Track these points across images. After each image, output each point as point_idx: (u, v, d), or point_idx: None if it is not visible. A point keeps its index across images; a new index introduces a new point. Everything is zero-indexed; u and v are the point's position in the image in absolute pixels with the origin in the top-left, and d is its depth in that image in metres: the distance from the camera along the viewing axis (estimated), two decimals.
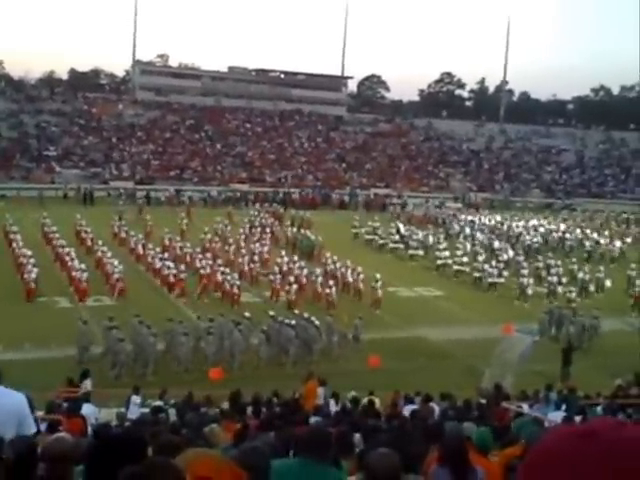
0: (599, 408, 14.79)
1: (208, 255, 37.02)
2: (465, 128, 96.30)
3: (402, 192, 73.75)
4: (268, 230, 47.35)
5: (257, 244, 40.89)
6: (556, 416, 13.69)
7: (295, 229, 47.74)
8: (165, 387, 18.45)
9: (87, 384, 19.21)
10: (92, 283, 32.33)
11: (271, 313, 27.55)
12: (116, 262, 33.77)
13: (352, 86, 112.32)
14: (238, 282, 32.60)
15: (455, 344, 28.63)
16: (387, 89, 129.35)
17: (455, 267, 41.05)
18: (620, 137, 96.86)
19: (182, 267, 34.13)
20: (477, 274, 39.42)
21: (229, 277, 32.81)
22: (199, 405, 15.87)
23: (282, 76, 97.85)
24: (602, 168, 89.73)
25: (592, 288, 38.05)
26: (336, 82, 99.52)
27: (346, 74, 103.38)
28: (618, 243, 49.68)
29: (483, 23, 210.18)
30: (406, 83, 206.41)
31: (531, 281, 37.13)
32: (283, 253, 38.27)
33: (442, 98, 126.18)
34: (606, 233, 54.11)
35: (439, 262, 42.10)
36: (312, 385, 18.55)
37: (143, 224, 44.52)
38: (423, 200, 71.02)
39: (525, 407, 15.53)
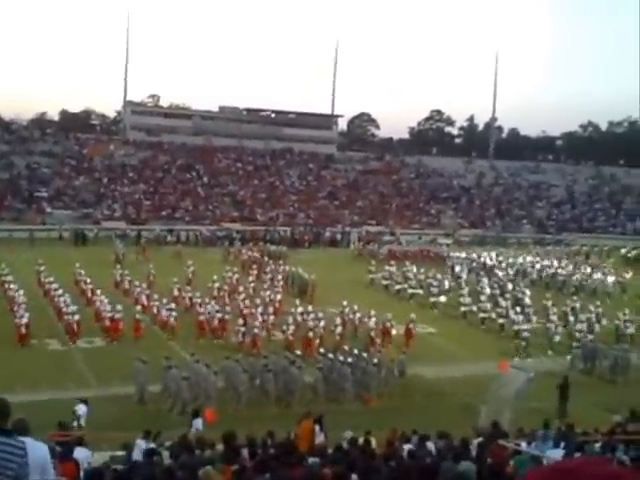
0: (597, 445, 14.64)
1: (218, 305, 35.22)
2: (455, 165, 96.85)
3: (394, 229, 73.85)
4: (269, 271, 46.22)
5: (268, 292, 38.75)
6: (555, 453, 13.52)
7: (287, 267, 47.43)
8: (160, 429, 18.21)
9: (198, 423, 19.86)
10: (83, 324, 32.18)
11: (322, 350, 28.40)
12: (119, 307, 33.05)
13: (342, 124, 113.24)
14: (256, 330, 31.84)
15: (450, 381, 28.49)
16: (377, 127, 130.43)
17: (481, 315, 38.76)
18: (609, 172, 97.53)
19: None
20: (501, 320, 37.20)
21: (242, 328, 31.94)
22: (193, 447, 15.66)
23: (273, 115, 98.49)
24: (592, 203, 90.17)
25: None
26: (326, 120, 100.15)
27: (336, 112, 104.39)
28: (611, 278, 49.64)
29: (471, 61, 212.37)
30: (396, 121, 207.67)
31: (560, 329, 35.20)
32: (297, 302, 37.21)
33: (432, 135, 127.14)
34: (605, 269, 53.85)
35: (464, 309, 39.96)
36: (307, 424, 18.34)
37: (146, 271, 42.57)
38: (416, 237, 71.17)
39: (523, 445, 15.36)
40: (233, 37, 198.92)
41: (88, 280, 38.63)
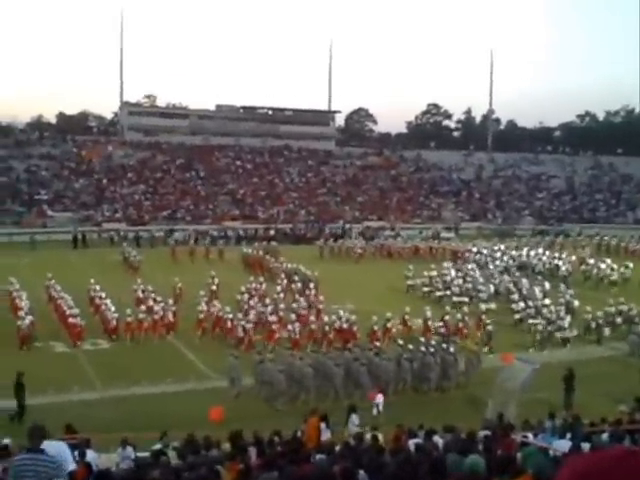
0: (605, 435, 14.63)
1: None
2: (454, 158, 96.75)
3: (395, 224, 73.76)
4: (283, 277, 43.15)
5: (294, 304, 35.65)
6: (562, 445, 13.52)
7: (289, 264, 47.09)
8: (165, 429, 18.20)
9: (354, 419, 20.28)
10: (88, 326, 32.21)
11: (400, 342, 28.67)
12: (128, 311, 32.94)
13: (340, 120, 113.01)
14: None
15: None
16: (375, 122, 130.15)
17: (534, 322, 34.90)
18: (608, 162, 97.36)
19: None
20: (550, 328, 34.39)
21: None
22: (200, 447, 15.65)
23: (270, 113, 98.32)
24: (592, 193, 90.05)
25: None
26: (324, 117, 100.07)
27: (333, 108, 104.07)
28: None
29: (467, 53, 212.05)
30: (393, 115, 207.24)
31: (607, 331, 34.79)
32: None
33: (430, 129, 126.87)
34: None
35: (517, 316, 36.93)
36: (314, 421, 18.36)
37: (171, 283, 39.46)
38: (417, 232, 70.98)
39: (530, 437, 15.35)
40: (228, 35, 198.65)
41: (98, 288, 36.94)
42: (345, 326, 32.07)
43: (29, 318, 31.44)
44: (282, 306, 34.80)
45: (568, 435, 15.32)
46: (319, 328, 32.33)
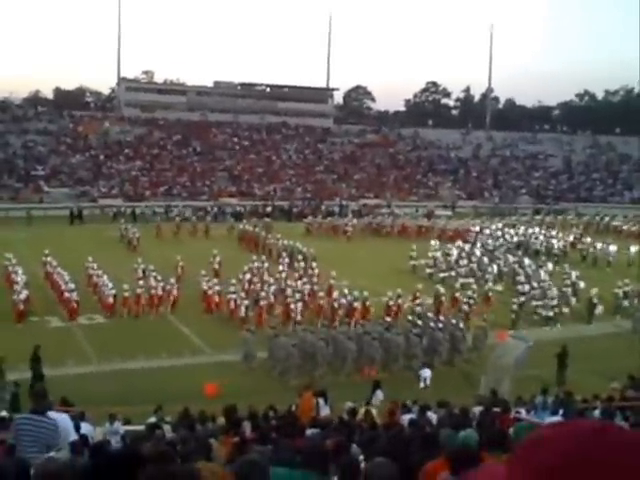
0: (597, 412, 14.74)
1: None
2: (452, 136, 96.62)
3: (391, 202, 73.72)
4: (285, 255, 42.52)
5: (299, 282, 35.23)
6: (554, 421, 13.61)
7: (286, 241, 46.93)
8: (160, 403, 18.27)
9: (379, 395, 20.48)
10: (83, 302, 32.25)
11: (409, 318, 29.30)
12: (125, 286, 32.70)
13: (338, 98, 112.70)
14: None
15: None
16: (373, 100, 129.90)
17: (537, 307, 34.52)
18: (606, 141, 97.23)
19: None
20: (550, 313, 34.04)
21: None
22: (195, 420, 15.73)
23: (268, 89, 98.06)
24: (590, 173, 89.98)
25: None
26: (322, 94, 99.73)
27: (331, 86, 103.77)
28: (613, 247, 49.33)
29: (466, 31, 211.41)
30: (391, 93, 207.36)
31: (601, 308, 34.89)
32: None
33: (428, 107, 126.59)
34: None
35: (522, 299, 34.89)
36: (308, 396, 18.44)
37: (173, 262, 38.14)
38: (413, 210, 71.05)
39: (523, 412, 15.47)
40: (226, 11, 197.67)
41: (95, 266, 36.29)
42: (356, 304, 31.84)
43: (25, 293, 31.47)
44: (290, 283, 34.69)
45: (560, 411, 15.42)
46: (328, 304, 32.37)
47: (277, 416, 16.18)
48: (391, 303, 32.12)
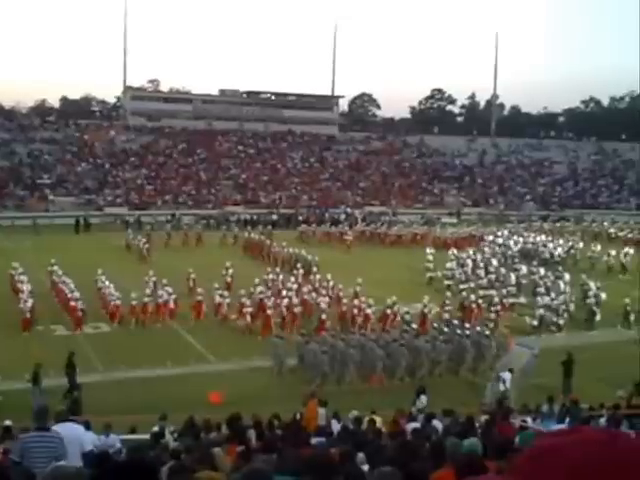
0: (602, 420, 14.68)
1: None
2: (457, 143, 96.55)
3: (396, 209, 73.66)
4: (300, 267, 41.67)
5: (313, 293, 34.96)
6: (554, 430, 13.55)
7: (291, 249, 46.85)
8: (165, 412, 18.24)
9: (423, 400, 20.28)
10: (89, 310, 32.28)
11: (435, 325, 29.66)
12: (133, 294, 32.78)
13: (343, 105, 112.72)
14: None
15: None
16: (378, 107, 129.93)
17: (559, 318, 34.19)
18: (612, 148, 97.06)
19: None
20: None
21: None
22: (199, 429, 15.69)
23: (273, 97, 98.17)
24: (595, 179, 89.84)
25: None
26: (327, 102, 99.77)
27: (337, 93, 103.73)
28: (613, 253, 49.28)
29: (472, 39, 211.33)
30: (397, 100, 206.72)
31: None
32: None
33: (433, 114, 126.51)
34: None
35: (541, 312, 34.28)
36: (312, 405, 18.41)
37: (184, 273, 37.94)
38: (418, 217, 70.97)
39: (529, 421, 15.41)
40: (232, 19, 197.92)
41: (104, 278, 35.50)
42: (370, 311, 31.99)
43: (30, 301, 31.49)
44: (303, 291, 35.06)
45: (567, 419, 15.38)
46: (345, 311, 32.67)
47: (282, 425, 16.13)
48: (388, 311, 32.09)
